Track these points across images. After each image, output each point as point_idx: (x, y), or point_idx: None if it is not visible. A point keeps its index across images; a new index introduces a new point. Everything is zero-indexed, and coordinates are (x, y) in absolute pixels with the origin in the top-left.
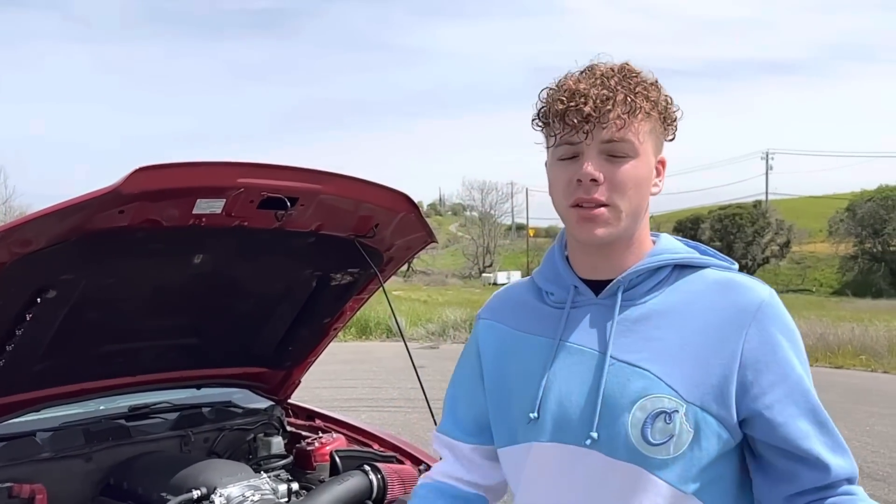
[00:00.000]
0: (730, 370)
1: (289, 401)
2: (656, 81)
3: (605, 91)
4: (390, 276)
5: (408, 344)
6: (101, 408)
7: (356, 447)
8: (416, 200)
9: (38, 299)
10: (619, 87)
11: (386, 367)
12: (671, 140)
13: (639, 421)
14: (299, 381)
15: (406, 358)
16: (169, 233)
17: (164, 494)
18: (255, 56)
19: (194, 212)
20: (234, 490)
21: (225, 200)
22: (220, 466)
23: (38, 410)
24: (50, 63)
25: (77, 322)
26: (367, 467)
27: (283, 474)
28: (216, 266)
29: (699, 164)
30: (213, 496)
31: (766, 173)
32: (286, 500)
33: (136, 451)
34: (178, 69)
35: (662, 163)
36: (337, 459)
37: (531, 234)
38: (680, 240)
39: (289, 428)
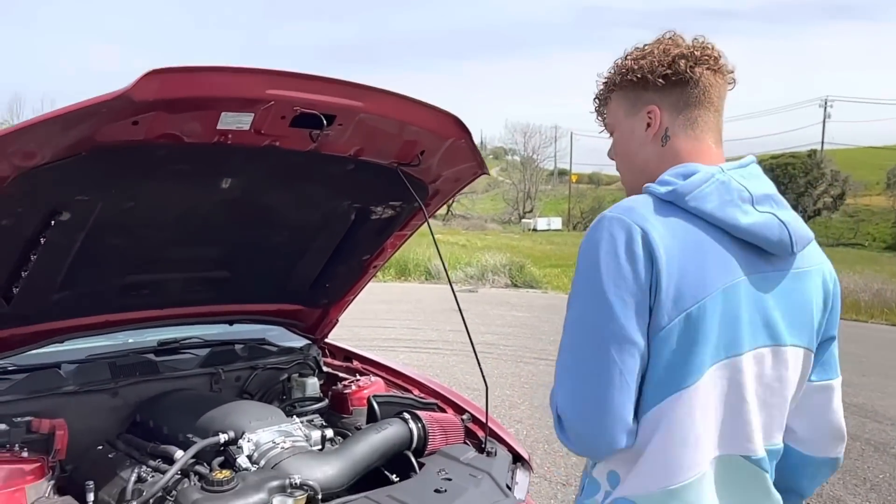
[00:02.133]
0: None
1: (325, 340)
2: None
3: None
4: (435, 211)
5: (446, 287)
6: (130, 341)
7: (395, 392)
8: None
9: (52, 222)
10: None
11: (425, 309)
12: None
13: None
14: (336, 321)
15: (445, 300)
16: (192, 151)
17: (190, 436)
18: None
19: (219, 127)
20: (263, 435)
21: (253, 115)
22: (250, 409)
23: (61, 342)
24: None
25: (96, 249)
26: (406, 415)
27: (317, 419)
28: (246, 192)
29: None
30: (240, 440)
31: (823, 121)
32: (319, 447)
33: (164, 388)
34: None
35: (650, 111)
36: (375, 405)
37: (574, 180)
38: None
39: (325, 369)
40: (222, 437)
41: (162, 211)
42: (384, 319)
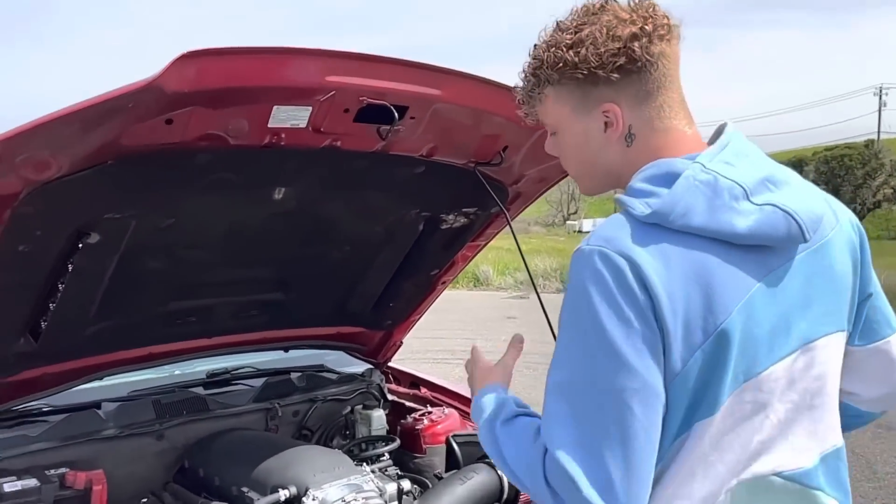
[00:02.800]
0: None
1: (388, 364)
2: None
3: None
4: (516, 216)
5: (495, 294)
6: (177, 372)
7: (473, 426)
8: None
9: (79, 245)
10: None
11: (475, 317)
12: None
13: None
14: (401, 343)
15: (496, 308)
16: (239, 156)
17: (245, 490)
18: None
19: (270, 124)
20: (330, 492)
21: (311, 108)
22: (313, 457)
23: (99, 378)
24: None
25: (133, 274)
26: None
27: (391, 468)
28: (301, 203)
29: (803, 102)
30: (304, 498)
31: (879, 110)
32: (396, 502)
33: (215, 428)
34: None
35: (607, 111)
36: (455, 447)
37: None
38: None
39: (390, 397)
40: (283, 495)
41: (206, 228)
42: (434, 329)
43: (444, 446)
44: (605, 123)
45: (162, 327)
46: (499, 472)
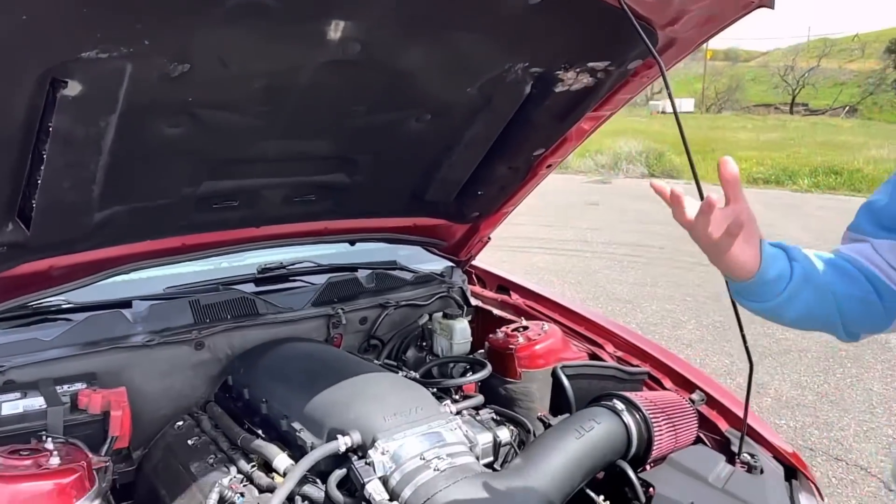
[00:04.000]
0: None
1: (472, 263)
2: None
3: None
4: (669, 69)
5: (574, 177)
6: (224, 265)
7: (579, 347)
8: None
9: (54, 97)
10: None
11: (554, 203)
12: None
13: None
14: (488, 239)
15: (577, 192)
16: None
17: (296, 428)
18: None
19: None
20: (406, 444)
21: None
22: (385, 393)
23: (124, 273)
24: None
25: (144, 143)
26: (618, 404)
27: (484, 412)
28: (368, 48)
29: None
30: (370, 451)
31: None
32: (490, 459)
33: (265, 336)
34: None
35: None
36: (564, 382)
37: (709, 57)
38: None
39: (473, 302)
40: (343, 444)
41: (236, 80)
42: (511, 216)
43: (542, 373)
44: None
45: (195, 213)
46: (624, 417)
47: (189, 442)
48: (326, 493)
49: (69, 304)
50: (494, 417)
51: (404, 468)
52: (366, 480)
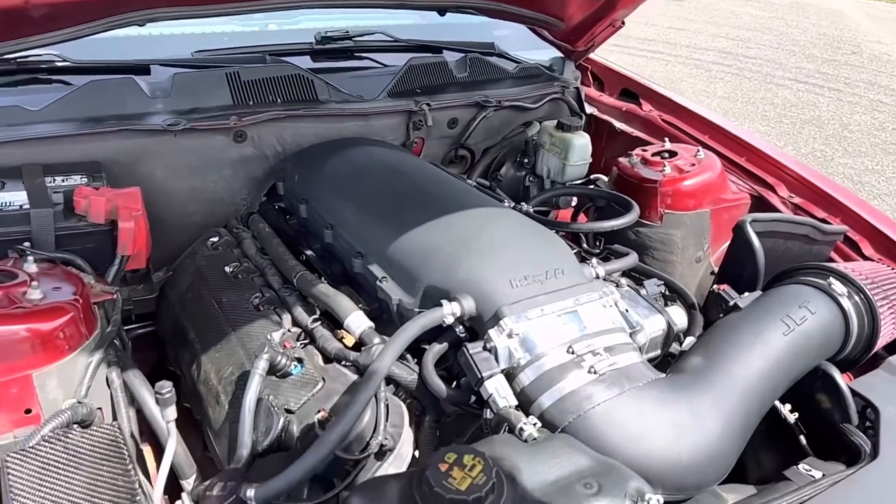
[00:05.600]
0: None
1: (590, 55)
2: None
3: None
4: None
5: None
6: (271, 27)
7: (741, 186)
8: None
9: None
10: None
11: (705, 4)
12: None
13: None
14: (621, 24)
15: None
16: None
17: (375, 271)
18: None
19: None
20: (544, 328)
21: None
22: (507, 243)
23: (138, 24)
24: None
25: None
26: (836, 284)
27: (651, 283)
28: None
29: None
30: (491, 331)
31: None
32: (657, 352)
33: (325, 134)
34: None
35: None
36: (754, 242)
37: None
38: None
39: (589, 110)
40: (449, 314)
41: None
42: (653, 15)
43: (690, 216)
44: None
45: None
46: (845, 305)
47: (227, 269)
48: (421, 376)
49: (64, 61)
50: (665, 293)
51: (543, 363)
52: (485, 374)
